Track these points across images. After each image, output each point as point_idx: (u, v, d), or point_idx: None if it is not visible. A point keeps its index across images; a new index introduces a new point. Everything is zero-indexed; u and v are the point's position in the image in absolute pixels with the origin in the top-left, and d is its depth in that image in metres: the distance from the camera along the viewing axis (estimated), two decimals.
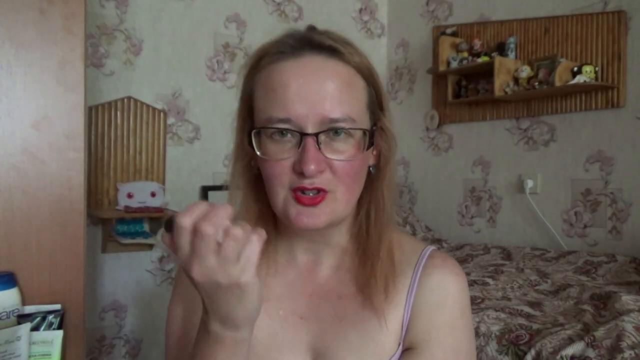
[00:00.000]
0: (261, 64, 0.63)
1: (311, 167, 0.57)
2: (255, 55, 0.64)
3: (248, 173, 0.67)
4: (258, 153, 0.61)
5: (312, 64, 0.60)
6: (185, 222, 0.47)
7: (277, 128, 0.59)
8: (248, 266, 0.48)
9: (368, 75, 0.64)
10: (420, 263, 0.69)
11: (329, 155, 0.59)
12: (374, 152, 0.67)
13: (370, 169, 0.67)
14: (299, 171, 0.58)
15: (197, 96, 2.83)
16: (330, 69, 0.60)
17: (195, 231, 0.47)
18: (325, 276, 0.69)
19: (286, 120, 0.59)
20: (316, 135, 0.58)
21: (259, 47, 0.64)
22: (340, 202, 0.61)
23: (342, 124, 0.59)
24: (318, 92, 0.59)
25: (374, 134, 0.64)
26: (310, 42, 0.61)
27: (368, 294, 0.66)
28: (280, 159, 0.59)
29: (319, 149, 0.59)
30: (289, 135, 0.59)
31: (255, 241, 0.48)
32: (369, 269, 0.66)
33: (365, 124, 0.63)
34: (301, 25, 0.67)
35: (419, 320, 0.66)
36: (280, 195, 0.60)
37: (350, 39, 0.65)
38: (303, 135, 0.58)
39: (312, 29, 0.66)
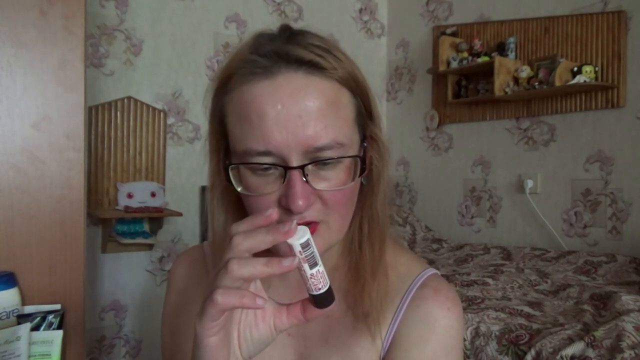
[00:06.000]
0: (230, 85, 0.55)
1: (299, 203, 0.51)
2: (223, 74, 0.56)
3: (228, 196, 0.61)
4: (239, 189, 0.55)
5: (290, 85, 0.52)
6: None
7: (258, 164, 0.53)
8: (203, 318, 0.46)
9: (354, 86, 0.57)
10: (410, 292, 0.63)
11: (318, 186, 0.53)
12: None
13: (362, 180, 0.60)
14: (286, 207, 0.52)
15: (197, 96, 2.83)
16: (312, 89, 0.52)
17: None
18: None
19: (267, 153, 0.52)
20: (302, 167, 0.52)
21: (225, 64, 0.56)
22: (334, 230, 0.56)
23: (329, 153, 0.53)
24: (300, 118, 0.51)
25: (365, 155, 0.58)
26: (287, 58, 0.53)
27: (357, 315, 0.62)
28: (264, 193, 0.54)
29: (306, 181, 0.52)
30: (271, 167, 0.53)
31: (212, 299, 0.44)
32: (360, 288, 0.61)
33: (355, 142, 0.56)
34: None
35: (396, 352, 0.61)
36: None
37: (332, 41, 0.57)
38: (287, 169, 0.52)
39: (285, 31, 0.57)
